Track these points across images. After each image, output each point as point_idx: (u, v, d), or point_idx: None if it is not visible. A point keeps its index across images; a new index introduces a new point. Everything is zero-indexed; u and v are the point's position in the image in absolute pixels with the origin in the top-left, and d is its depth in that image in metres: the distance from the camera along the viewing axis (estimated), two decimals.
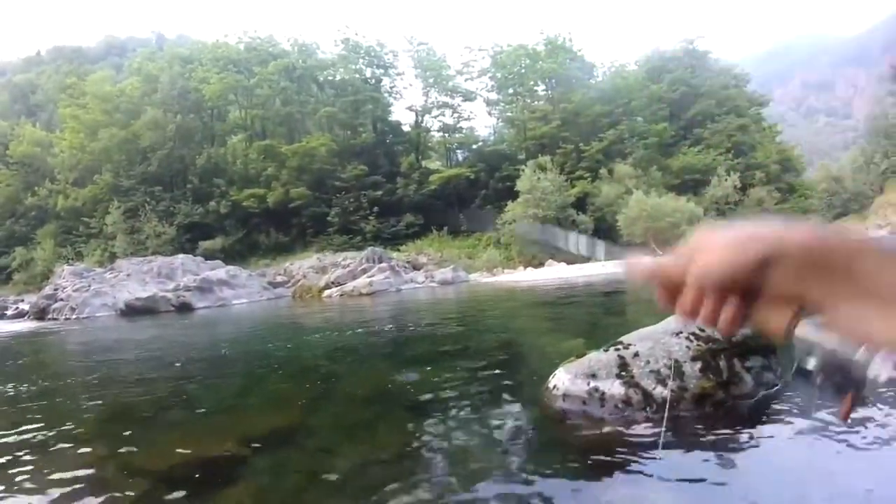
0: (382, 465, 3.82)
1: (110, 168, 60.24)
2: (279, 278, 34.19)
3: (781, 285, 0.53)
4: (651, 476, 3.27)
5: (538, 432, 4.28)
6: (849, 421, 0.54)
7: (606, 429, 4.11)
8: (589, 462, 3.56)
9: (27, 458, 4.46)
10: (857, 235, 0.51)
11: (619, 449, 3.71)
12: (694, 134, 52.67)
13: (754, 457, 3.50)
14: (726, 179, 43.97)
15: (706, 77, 56.13)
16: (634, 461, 3.51)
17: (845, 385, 0.55)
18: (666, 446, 3.66)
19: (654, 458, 3.51)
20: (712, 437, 3.80)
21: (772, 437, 3.71)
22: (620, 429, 4.08)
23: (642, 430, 4.02)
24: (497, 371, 6.31)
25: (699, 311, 0.60)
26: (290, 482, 3.66)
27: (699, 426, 4.01)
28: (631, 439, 3.87)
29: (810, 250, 0.51)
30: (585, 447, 3.82)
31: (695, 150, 49.99)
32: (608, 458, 3.58)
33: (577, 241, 0.87)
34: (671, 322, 4.99)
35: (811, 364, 0.56)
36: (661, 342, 4.66)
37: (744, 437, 3.79)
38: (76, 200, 61.02)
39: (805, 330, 0.56)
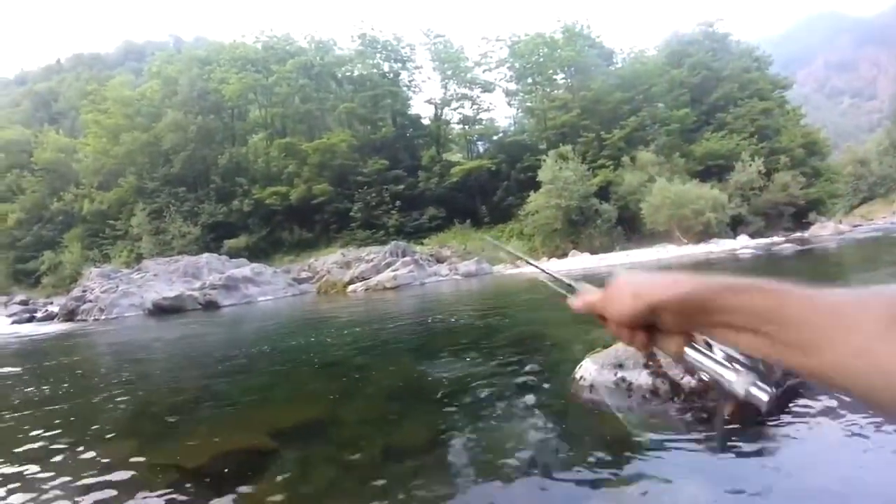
0: (410, 457, 3.83)
1: (134, 171, 60.88)
2: (304, 274, 34.32)
3: (668, 323, 0.72)
4: (679, 467, 3.24)
5: (565, 423, 4.25)
6: (718, 441, 0.78)
7: (634, 419, 4.07)
8: (616, 453, 3.52)
9: (60, 455, 4.52)
10: (722, 282, 0.67)
11: (646, 438, 3.68)
12: (716, 119, 51.92)
13: (781, 447, 3.44)
14: (750, 164, 43.23)
15: (727, 60, 55.30)
16: (662, 452, 3.48)
17: (723, 392, 0.70)
18: (695, 435, 3.63)
19: (682, 450, 3.48)
20: (741, 426, 3.74)
21: (799, 427, 3.64)
22: (648, 419, 4.04)
23: (670, 420, 3.99)
24: (523, 363, 6.28)
25: (622, 337, 0.79)
26: (318, 475, 3.67)
27: (728, 417, 3.96)
28: (659, 429, 3.83)
29: (682, 299, 0.68)
30: (613, 438, 3.78)
31: (718, 135, 49.24)
32: (636, 449, 3.55)
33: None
34: None
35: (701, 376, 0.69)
36: None
37: (772, 427, 3.71)
38: (101, 204, 61.77)
39: (692, 354, 0.73)
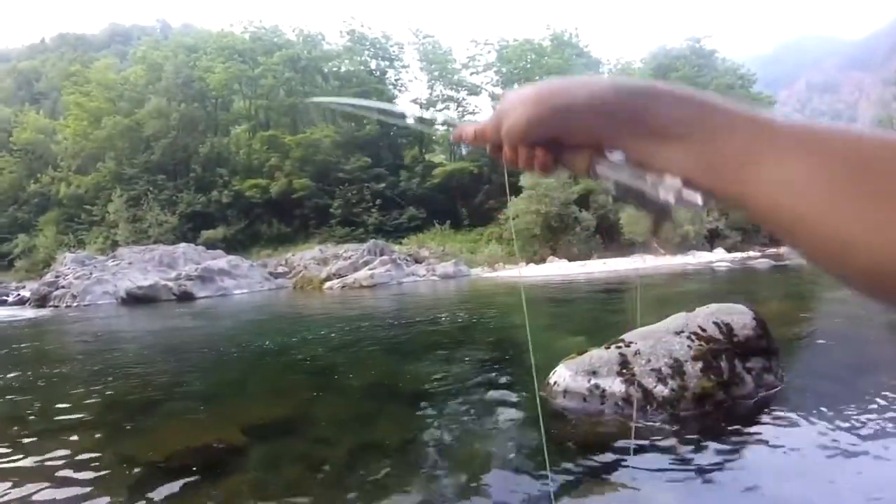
0: (381, 456, 3.88)
1: (113, 156, 60.14)
2: (280, 269, 34.15)
3: (577, 133, 0.60)
4: (650, 473, 3.29)
5: (537, 428, 4.29)
6: (655, 239, 0.65)
7: (606, 425, 4.14)
8: (588, 457, 3.61)
9: (26, 445, 4.51)
10: (644, 82, 0.58)
11: (618, 445, 3.74)
12: None
13: (753, 457, 3.54)
14: None
15: (712, 77, 55.83)
16: (633, 459, 3.54)
17: (646, 206, 0.62)
18: (665, 444, 3.68)
19: (652, 455, 3.53)
20: (712, 437, 3.81)
21: (771, 438, 3.74)
22: (620, 426, 4.12)
23: (642, 427, 4.04)
24: (497, 366, 6.34)
25: (518, 161, 0.67)
26: (288, 472, 3.73)
27: (699, 426, 4.02)
28: (629, 436, 3.90)
29: (601, 100, 0.57)
30: (585, 443, 3.87)
31: None
32: (607, 454, 3.65)
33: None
34: (673, 321, 5.00)
35: (613, 191, 0.64)
36: (662, 341, 4.68)
37: (743, 437, 3.81)
38: (79, 188, 61.00)
39: (604, 166, 0.62)
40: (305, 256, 35.00)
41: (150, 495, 3.42)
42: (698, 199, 0.56)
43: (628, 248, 38.51)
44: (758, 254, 32.48)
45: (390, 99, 62.64)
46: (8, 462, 4.09)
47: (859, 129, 0.45)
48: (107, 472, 3.85)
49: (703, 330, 4.76)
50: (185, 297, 24.15)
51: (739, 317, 5.01)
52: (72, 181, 62.02)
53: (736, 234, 41.73)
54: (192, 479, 3.64)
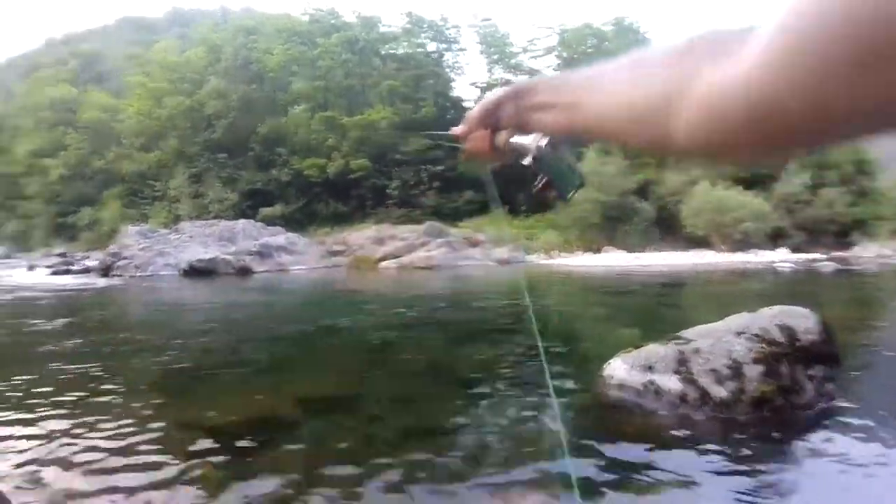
0: (430, 437, 3.91)
1: (175, 134, 61.22)
2: (337, 247, 34.44)
3: (505, 116, 0.86)
4: (702, 475, 3.22)
5: (589, 419, 4.28)
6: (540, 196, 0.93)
7: (659, 423, 4.07)
8: (639, 455, 3.54)
9: (91, 408, 4.60)
10: (534, 79, 0.81)
11: (670, 445, 3.67)
12: None
13: (808, 469, 3.41)
14: (797, 177, 41.89)
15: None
16: (686, 459, 3.47)
17: (540, 169, 0.88)
18: (720, 448, 3.61)
19: (707, 459, 3.46)
20: (768, 444, 3.72)
21: (828, 450, 3.59)
22: (674, 425, 4.03)
23: (697, 428, 3.97)
24: (551, 353, 6.27)
25: (471, 144, 0.96)
26: (337, 446, 3.74)
27: (755, 431, 3.91)
28: (684, 437, 3.81)
29: (515, 92, 0.82)
30: (636, 439, 3.79)
31: None
32: (659, 453, 3.55)
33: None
34: (735, 321, 4.87)
35: (527, 161, 0.88)
36: (722, 340, 4.55)
37: (800, 447, 3.68)
38: (142, 164, 62.27)
39: (515, 138, 0.88)
40: (362, 236, 35.23)
41: (205, 460, 3.50)
42: (542, 144, 0.83)
43: (686, 241, 37.62)
44: (823, 256, 31.23)
45: (448, 82, 62.43)
46: (73, 424, 4.20)
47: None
48: (165, 436, 3.94)
49: (766, 332, 4.60)
50: (244, 271, 24.63)
51: (803, 321, 4.85)
52: (136, 158, 63.35)
53: (801, 234, 40.01)
54: (245, 446, 3.72)
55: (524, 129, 0.85)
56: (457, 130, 1.05)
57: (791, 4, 0.41)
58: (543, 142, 0.83)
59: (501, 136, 0.90)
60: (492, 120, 0.90)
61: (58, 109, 73.73)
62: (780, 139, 0.45)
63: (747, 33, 0.46)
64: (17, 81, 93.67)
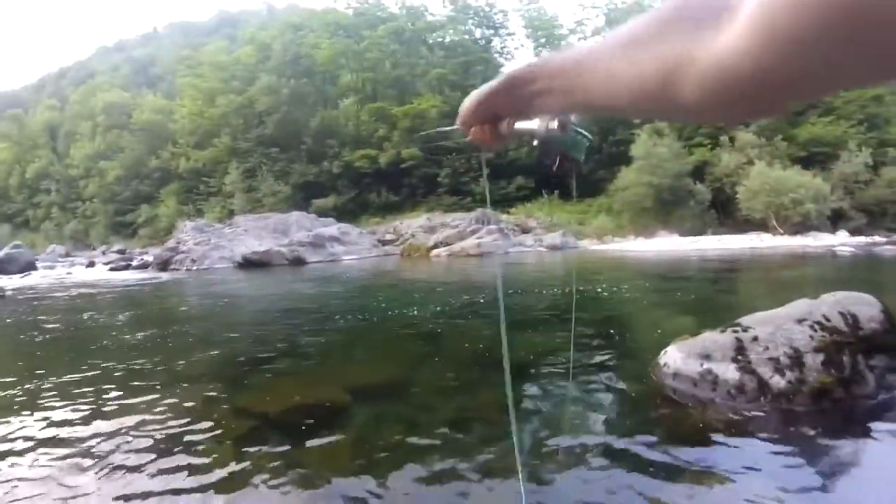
0: (479, 426, 3.83)
1: (228, 131, 62.60)
2: (388, 236, 34.60)
3: (502, 107, 0.85)
4: (757, 469, 3.05)
5: (644, 408, 4.13)
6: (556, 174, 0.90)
7: (716, 414, 3.89)
8: (694, 445, 3.38)
9: (148, 394, 4.74)
10: (529, 65, 0.78)
11: (727, 436, 3.48)
12: (824, 102, 48.11)
13: (868, 463, 3.20)
14: (857, 155, 39.51)
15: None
16: (742, 451, 3.28)
17: (552, 149, 0.88)
18: (778, 440, 3.46)
19: (763, 452, 3.29)
20: (827, 437, 3.53)
21: (889, 444, 3.39)
22: (731, 416, 3.84)
23: (754, 420, 3.79)
24: (603, 341, 6.15)
25: (474, 136, 0.93)
26: (388, 434, 3.68)
27: (814, 423, 3.74)
28: (740, 428, 3.63)
29: (510, 82, 0.80)
30: (692, 430, 3.63)
31: (824, 120, 44.92)
32: (715, 444, 3.38)
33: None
34: (795, 307, 4.63)
35: (536, 143, 0.88)
36: (782, 328, 4.29)
37: (860, 441, 3.45)
38: (197, 162, 63.89)
39: (517, 124, 0.87)
40: (413, 225, 35.33)
41: (259, 446, 3.51)
42: (554, 126, 0.82)
43: (743, 224, 36.60)
44: (884, 240, 29.86)
45: (497, 68, 62.18)
46: (128, 410, 4.30)
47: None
48: (221, 422, 3.98)
49: (828, 320, 4.31)
50: (298, 261, 24.83)
51: (867, 308, 4.53)
52: (190, 156, 65.02)
53: (861, 215, 38.26)
54: (298, 432, 3.71)
55: (526, 115, 0.85)
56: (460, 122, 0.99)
57: None
58: (553, 124, 0.83)
59: (503, 125, 0.89)
60: (488, 112, 0.89)
61: (112, 114, 76.27)
62: (776, 101, 0.48)
63: (734, 4, 0.48)
64: (73, 89, 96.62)
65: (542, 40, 59.47)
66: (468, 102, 0.90)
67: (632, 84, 0.59)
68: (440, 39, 63.49)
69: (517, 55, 63.56)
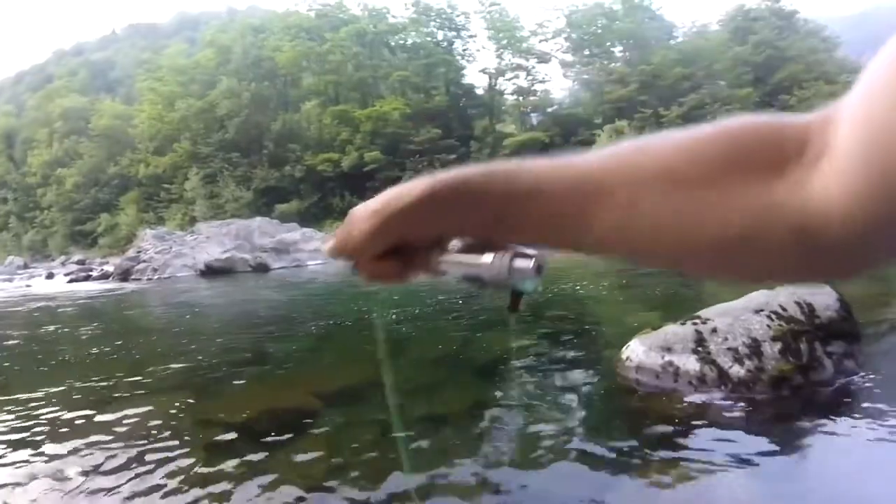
0: (450, 425, 3.90)
1: (188, 136, 62.08)
2: None
3: (418, 233, 0.59)
4: (720, 455, 3.15)
5: (608, 401, 4.29)
6: (515, 314, 0.54)
7: (678, 404, 4.03)
8: (657, 435, 3.50)
9: (113, 406, 4.73)
10: (482, 170, 0.58)
11: (689, 426, 3.62)
12: (780, 100, 49.28)
13: (828, 447, 3.35)
14: None
15: (794, 39, 53.16)
16: (704, 439, 3.42)
17: (489, 286, 0.62)
18: (739, 427, 3.54)
19: (725, 439, 3.38)
20: (787, 422, 3.67)
21: (848, 428, 3.56)
22: (693, 405, 3.97)
23: (715, 408, 3.90)
24: (569, 338, 6.28)
25: (373, 273, 0.66)
26: (358, 437, 3.73)
27: (774, 410, 3.87)
28: (703, 417, 3.77)
29: (453, 191, 0.57)
30: (655, 420, 3.75)
31: None
32: (678, 433, 3.51)
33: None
34: (753, 298, 4.77)
35: (462, 281, 0.64)
36: (740, 319, 4.48)
37: (819, 425, 3.61)
38: (157, 168, 63.21)
39: (447, 260, 0.62)
40: None
41: (227, 455, 3.51)
42: (530, 265, 0.56)
43: None
44: None
45: (459, 70, 62.41)
46: (95, 424, 4.26)
47: (652, 147, 0.52)
48: (187, 433, 3.99)
49: (784, 309, 4.50)
50: (261, 268, 24.65)
51: (823, 297, 4.73)
52: (150, 162, 64.30)
53: None
54: (267, 440, 3.73)
55: (480, 243, 0.61)
56: (329, 247, 0.70)
57: (870, 134, 0.38)
58: (525, 264, 0.57)
59: (424, 257, 0.64)
60: (398, 237, 0.61)
61: (70, 119, 75.22)
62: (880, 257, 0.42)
63: (799, 136, 0.43)
64: (30, 94, 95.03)
65: (504, 42, 59.77)
66: (360, 222, 0.61)
67: (688, 236, 0.48)
68: (402, 41, 63.58)
69: (479, 57, 63.82)
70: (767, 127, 0.46)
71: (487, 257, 0.58)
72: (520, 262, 0.56)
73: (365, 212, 0.61)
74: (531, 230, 0.55)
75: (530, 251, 0.58)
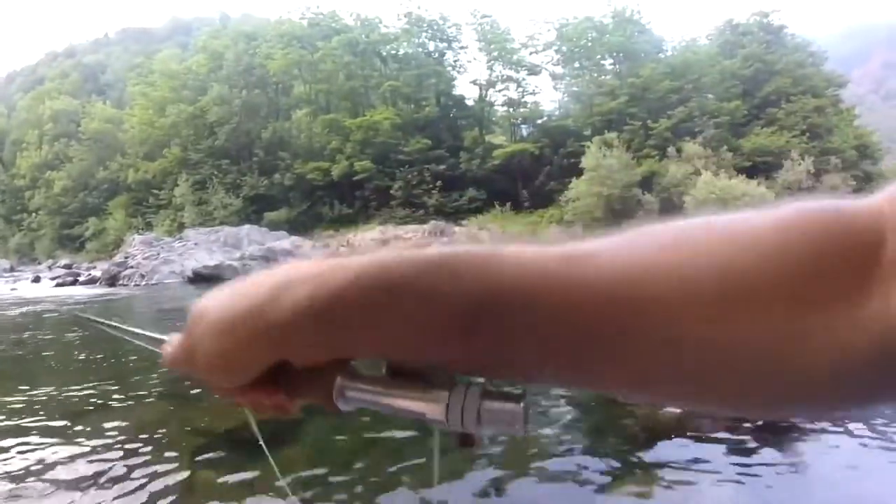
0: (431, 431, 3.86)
1: (179, 142, 61.95)
2: (342, 250, 34.39)
3: (306, 349, 0.43)
4: (701, 465, 3.22)
5: (589, 414, 4.38)
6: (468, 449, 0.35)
7: (660, 414, 4.05)
8: (640, 446, 3.55)
9: (96, 417, 4.70)
10: (422, 256, 0.40)
11: (672, 435, 3.67)
12: (767, 114, 49.73)
13: (809, 452, 3.42)
14: (800, 164, 41.47)
15: (781, 54, 53.36)
16: (687, 448, 3.47)
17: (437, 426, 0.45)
18: (723, 434, 3.58)
19: (706, 449, 3.46)
20: (772, 429, 3.69)
21: (828, 428, 3.56)
22: (674, 415, 4.00)
23: (697, 417, 3.93)
24: None
25: (241, 403, 0.51)
26: (345, 444, 3.79)
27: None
28: (685, 426, 3.80)
29: (339, 295, 0.39)
30: (637, 431, 3.82)
31: (768, 130, 47.41)
32: (660, 444, 3.56)
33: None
34: None
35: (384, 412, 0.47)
36: None
37: (800, 430, 3.65)
38: (146, 173, 62.98)
39: (358, 387, 0.45)
40: (366, 237, 35.31)
41: (211, 461, 3.56)
42: (516, 409, 0.40)
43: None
44: None
45: (450, 81, 62.55)
46: (81, 434, 4.24)
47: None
48: (172, 440, 4.03)
49: None
50: None
51: None
52: (139, 167, 64.06)
53: None
54: (254, 446, 3.70)
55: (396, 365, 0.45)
56: (168, 360, 0.54)
57: None
58: (508, 407, 0.40)
59: (318, 386, 0.47)
60: (268, 363, 0.44)
61: (61, 122, 74.87)
62: None
63: (874, 230, 0.35)
64: (21, 95, 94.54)
65: (495, 53, 59.90)
66: (207, 339, 0.45)
67: (759, 374, 0.36)
68: (394, 52, 63.56)
69: (470, 69, 63.86)
70: (837, 222, 0.37)
71: (437, 395, 0.41)
72: (497, 405, 0.40)
73: (215, 322, 0.44)
74: (528, 353, 0.39)
75: (508, 389, 0.41)
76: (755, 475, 3.16)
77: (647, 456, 3.39)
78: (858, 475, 3.15)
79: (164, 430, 4.24)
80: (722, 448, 3.49)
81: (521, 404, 0.39)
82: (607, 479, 3.18)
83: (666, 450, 3.48)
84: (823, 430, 3.66)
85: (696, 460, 3.29)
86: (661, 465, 3.28)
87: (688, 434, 3.68)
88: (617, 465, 3.31)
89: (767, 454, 3.40)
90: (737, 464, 3.25)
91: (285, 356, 0.43)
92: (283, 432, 3.93)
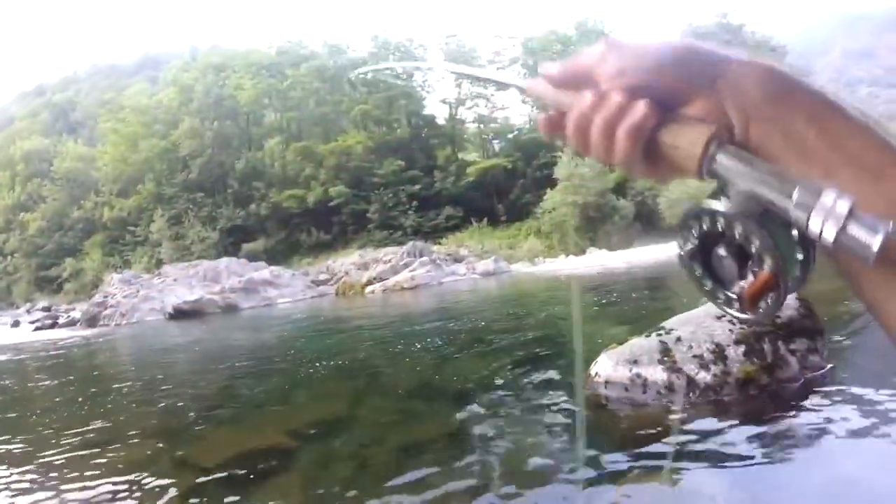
0: (428, 454, 3.89)
1: (152, 177, 61.70)
2: (322, 276, 34.32)
3: (698, 101, 0.42)
4: (694, 461, 3.24)
5: (580, 419, 4.26)
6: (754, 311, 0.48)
7: (649, 415, 4.08)
8: (630, 447, 3.52)
9: (85, 455, 4.63)
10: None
11: (660, 433, 3.67)
12: None
13: (799, 441, 3.41)
14: None
15: (743, 50, 54.22)
16: (676, 445, 3.48)
17: (779, 240, 0.44)
18: (710, 431, 3.62)
19: (697, 443, 3.47)
20: (757, 423, 3.71)
21: (817, 420, 3.59)
22: (663, 414, 4.05)
23: (686, 415, 3.97)
24: (539, 359, 6.28)
25: (595, 120, 0.48)
26: (336, 472, 3.73)
27: (744, 411, 3.93)
28: (674, 425, 3.82)
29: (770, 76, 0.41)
30: (627, 433, 3.82)
31: None
32: (650, 443, 3.54)
33: None
34: (713, 306, 4.86)
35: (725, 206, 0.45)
36: (703, 326, 4.57)
37: (789, 421, 3.69)
38: (121, 210, 62.58)
39: (729, 156, 0.44)
40: (346, 262, 35.16)
41: (203, 499, 3.51)
42: (875, 241, 0.35)
43: (668, 233, 37.75)
44: None
45: (419, 101, 62.86)
46: (70, 476, 4.21)
47: None
48: (162, 477, 3.94)
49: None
50: (231, 309, 24.50)
51: None
52: (114, 204, 63.65)
53: None
54: (244, 481, 3.72)
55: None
56: (554, 77, 0.56)
57: None
58: (837, 217, 0.37)
59: (689, 135, 0.47)
60: (665, 85, 0.44)
61: (33, 162, 74.24)
62: None
63: None
64: None
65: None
66: (628, 52, 0.47)
67: None
68: (362, 76, 63.74)
69: (439, 88, 64.23)
70: None
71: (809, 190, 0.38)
72: (863, 227, 0.36)
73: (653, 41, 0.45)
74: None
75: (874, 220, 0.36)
76: None
77: (636, 456, 3.43)
78: None
79: (152, 468, 4.15)
80: None
81: (882, 235, 0.34)
82: None
83: (654, 448, 3.50)
84: None
85: None
86: (650, 463, 3.32)
87: None
88: (607, 466, 3.35)
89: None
90: None
91: (688, 92, 0.44)
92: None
